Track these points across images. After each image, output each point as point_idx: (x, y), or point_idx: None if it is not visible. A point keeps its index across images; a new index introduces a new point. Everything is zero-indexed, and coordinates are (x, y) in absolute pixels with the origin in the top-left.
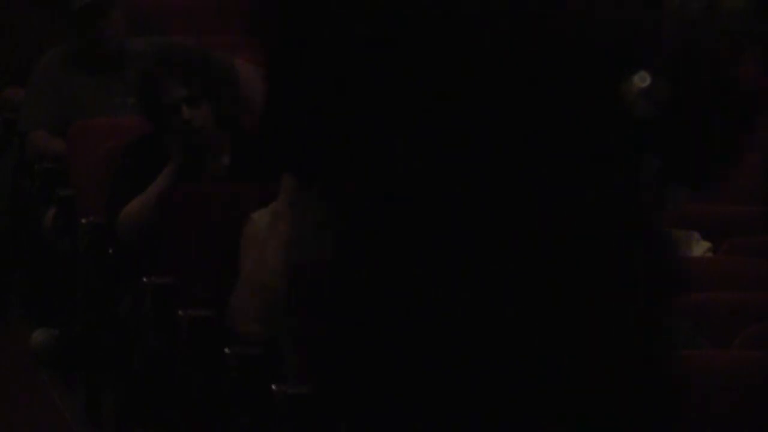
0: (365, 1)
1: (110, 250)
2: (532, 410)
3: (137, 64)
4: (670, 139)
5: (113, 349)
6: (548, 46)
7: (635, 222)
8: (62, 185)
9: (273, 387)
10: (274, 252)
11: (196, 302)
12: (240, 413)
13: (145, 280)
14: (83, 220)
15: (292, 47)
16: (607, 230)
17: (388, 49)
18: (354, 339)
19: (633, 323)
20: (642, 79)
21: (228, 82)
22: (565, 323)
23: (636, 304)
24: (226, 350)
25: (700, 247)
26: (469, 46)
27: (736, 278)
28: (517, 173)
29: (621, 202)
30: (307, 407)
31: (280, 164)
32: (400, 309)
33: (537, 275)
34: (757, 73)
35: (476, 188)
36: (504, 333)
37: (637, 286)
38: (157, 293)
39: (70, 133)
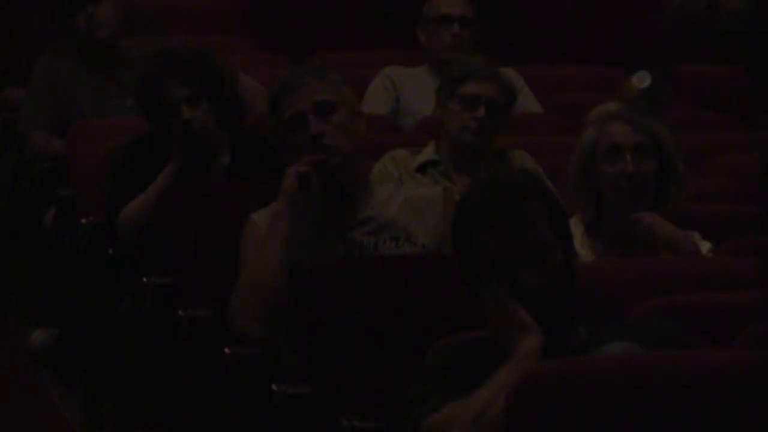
0: None
1: (110, 250)
2: None
3: (137, 65)
4: None
5: (113, 349)
6: None
7: None
8: (62, 185)
9: (273, 387)
10: (274, 252)
11: (196, 302)
12: (240, 413)
13: (145, 280)
14: (83, 220)
15: None
16: None
17: None
18: None
19: None
20: (642, 80)
21: (228, 82)
22: None
23: None
24: (226, 350)
25: (700, 247)
26: None
27: (736, 278)
28: None
29: None
30: (307, 407)
31: None
32: None
33: None
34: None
35: None
36: None
37: None
38: (157, 293)
39: (70, 133)
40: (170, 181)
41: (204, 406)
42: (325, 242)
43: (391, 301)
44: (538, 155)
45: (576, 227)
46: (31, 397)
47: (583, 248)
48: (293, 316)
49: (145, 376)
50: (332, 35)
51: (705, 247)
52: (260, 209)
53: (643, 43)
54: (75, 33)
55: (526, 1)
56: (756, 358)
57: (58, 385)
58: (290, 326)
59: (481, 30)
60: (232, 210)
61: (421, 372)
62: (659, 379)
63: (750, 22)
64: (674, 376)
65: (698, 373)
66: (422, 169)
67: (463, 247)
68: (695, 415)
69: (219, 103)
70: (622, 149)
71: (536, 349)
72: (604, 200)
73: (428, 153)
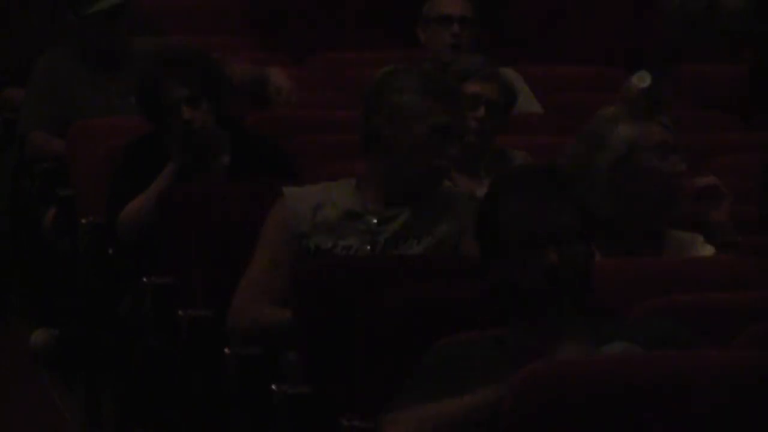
0: None
1: (110, 250)
2: None
3: (137, 65)
4: None
5: (113, 349)
6: None
7: None
8: (62, 185)
9: (273, 387)
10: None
11: (196, 302)
12: (240, 413)
13: (145, 280)
14: (83, 220)
15: None
16: None
17: None
18: None
19: None
20: (642, 80)
21: (227, 82)
22: None
23: None
24: (226, 350)
25: (704, 251)
26: None
27: (736, 278)
28: None
29: None
30: (307, 407)
31: None
32: None
33: None
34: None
35: None
36: None
37: None
38: (157, 293)
39: (70, 133)
40: (170, 181)
41: (204, 406)
42: (348, 230)
43: (391, 301)
44: (538, 155)
45: None
46: (31, 397)
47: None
48: (293, 316)
49: (145, 376)
50: (332, 35)
51: (709, 250)
52: (296, 187)
53: (643, 43)
54: (91, 43)
55: (526, 1)
56: (756, 358)
57: (58, 385)
58: (290, 326)
59: (481, 30)
60: (232, 210)
61: (419, 371)
62: (659, 379)
63: (750, 22)
64: (674, 376)
65: (698, 373)
66: None
67: (490, 221)
68: (695, 415)
69: (219, 103)
70: (669, 149)
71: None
72: (640, 199)
73: None
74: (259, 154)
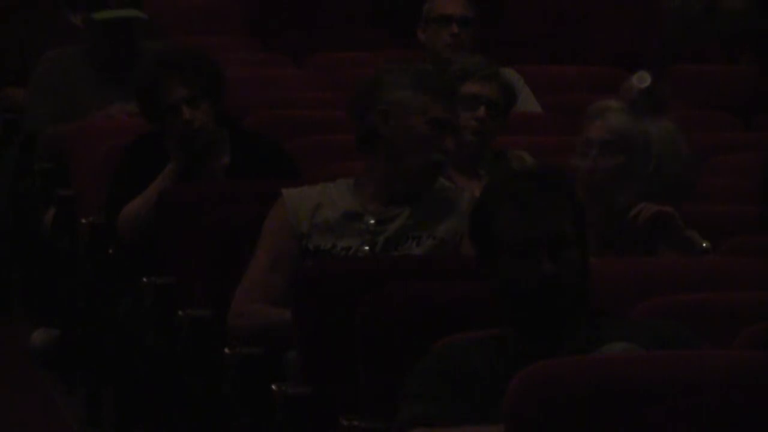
0: None
1: (110, 250)
2: None
3: (138, 66)
4: None
5: (113, 349)
6: None
7: None
8: (62, 185)
9: (273, 387)
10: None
11: (196, 302)
12: (240, 413)
13: (145, 280)
14: (83, 220)
15: None
16: None
17: None
18: None
19: None
20: (642, 80)
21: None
22: None
23: None
24: (226, 350)
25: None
26: None
27: (736, 278)
28: None
29: None
30: (307, 407)
31: None
32: None
33: None
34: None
35: None
36: None
37: None
38: (157, 293)
39: (69, 133)
40: (170, 181)
41: (204, 406)
42: (347, 230)
43: (391, 301)
44: (538, 155)
45: None
46: (31, 397)
47: None
48: (293, 316)
49: (145, 376)
50: (333, 35)
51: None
52: (295, 188)
53: (644, 43)
54: (102, 49)
55: (526, 1)
56: (756, 358)
57: (58, 385)
58: (290, 326)
59: (481, 30)
60: (232, 210)
61: (418, 371)
62: (660, 379)
63: (751, 21)
64: (674, 376)
65: (699, 373)
66: None
67: (484, 229)
68: (695, 415)
69: (219, 103)
70: (596, 146)
71: None
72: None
73: None
74: (258, 154)
